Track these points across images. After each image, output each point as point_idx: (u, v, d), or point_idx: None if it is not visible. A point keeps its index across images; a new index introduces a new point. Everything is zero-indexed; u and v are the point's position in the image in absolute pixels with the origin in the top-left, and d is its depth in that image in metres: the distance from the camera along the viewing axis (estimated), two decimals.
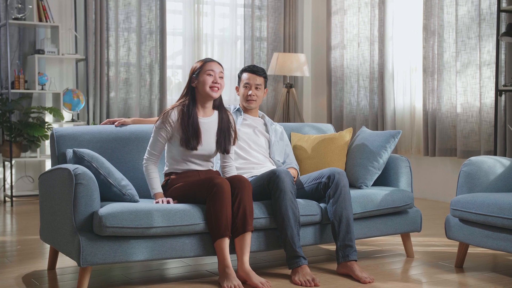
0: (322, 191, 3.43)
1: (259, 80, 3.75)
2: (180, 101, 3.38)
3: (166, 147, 3.38)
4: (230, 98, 7.13)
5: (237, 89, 3.82)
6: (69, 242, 2.93)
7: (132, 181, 3.44)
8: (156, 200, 3.19)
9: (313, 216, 3.38)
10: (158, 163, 3.32)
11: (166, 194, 3.29)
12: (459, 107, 5.85)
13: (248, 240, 3.13)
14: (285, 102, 7.04)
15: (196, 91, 3.36)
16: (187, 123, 3.28)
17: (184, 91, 3.40)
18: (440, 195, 6.16)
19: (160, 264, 3.59)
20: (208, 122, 3.38)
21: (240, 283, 3.02)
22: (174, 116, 3.30)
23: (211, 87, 3.32)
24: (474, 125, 5.75)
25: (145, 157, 3.32)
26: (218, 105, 3.44)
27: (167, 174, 3.39)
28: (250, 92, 3.73)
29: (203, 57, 7.03)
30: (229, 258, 3.08)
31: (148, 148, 3.33)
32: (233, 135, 3.44)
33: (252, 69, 3.77)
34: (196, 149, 3.29)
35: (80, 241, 2.84)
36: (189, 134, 3.27)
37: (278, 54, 6.79)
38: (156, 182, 3.27)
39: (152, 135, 3.33)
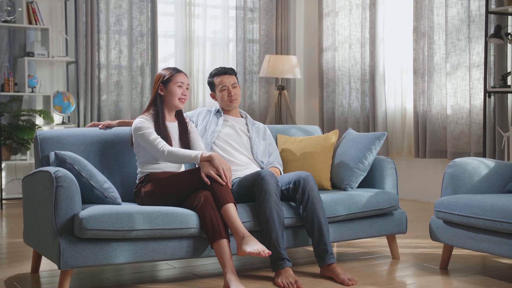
0: (292, 196, 3.41)
1: (233, 79, 3.75)
2: (150, 110, 3.43)
3: (139, 153, 3.38)
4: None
5: (212, 96, 3.80)
6: (50, 245, 2.92)
7: (116, 184, 3.44)
8: (208, 155, 3.15)
9: (298, 218, 3.36)
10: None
11: (144, 190, 3.28)
12: (449, 109, 5.85)
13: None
14: (277, 104, 7.03)
15: (163, 99, 3.43)
16: (158, 128, 3.34)
17: (152, 98, 3.44)
18: (431, 196, 6.15)
19: (144, 267, 3.58)
20: (172, 127, 3.45)
21: None
22: (149, 120, 3.37)
23: (179, 99, 3.43)
24: (464, 126, 5.75)
25: (159, 147, 3.24)
26: (179, 114, 3.53)
27: (142, 177, 3.39)
28: (232, 94, 3.72)
29: (196, 59, 7.03)
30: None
31: (152, 142, 3.25)
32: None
33: (222, 71, 3.76)
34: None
35: (60, 244, 2.84)
36: (162, 136, 3.32)
37: (270, 56, 6.78)
38: (188, 150, 3.24)
39: (144, 136, 3.28)
